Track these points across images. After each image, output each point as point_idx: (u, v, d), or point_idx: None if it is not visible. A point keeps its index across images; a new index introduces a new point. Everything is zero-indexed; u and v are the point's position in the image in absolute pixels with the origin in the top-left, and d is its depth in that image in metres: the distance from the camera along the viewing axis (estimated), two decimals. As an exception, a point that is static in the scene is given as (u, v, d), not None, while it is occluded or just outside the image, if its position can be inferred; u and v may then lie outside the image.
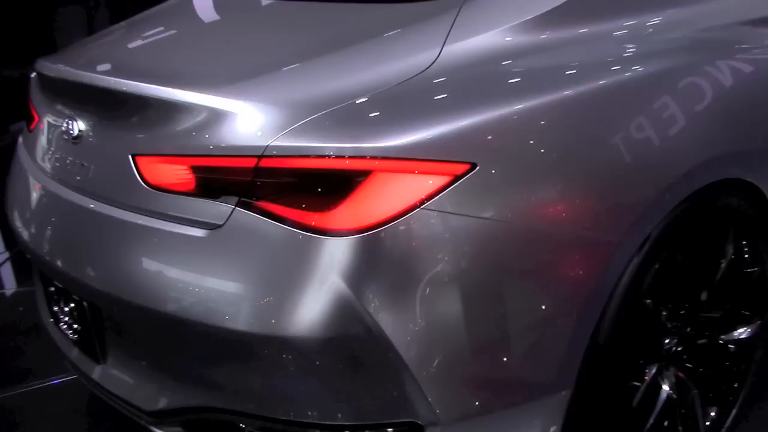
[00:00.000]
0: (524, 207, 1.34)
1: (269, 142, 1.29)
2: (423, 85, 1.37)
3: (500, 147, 1.34)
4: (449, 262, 1.28)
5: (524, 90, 1.41)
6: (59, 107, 1.71)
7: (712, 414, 1.83)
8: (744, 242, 1.74)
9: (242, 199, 1.32)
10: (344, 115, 1.31)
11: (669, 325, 1.68)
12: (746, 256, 1.76)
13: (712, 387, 1.82)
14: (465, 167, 1.28)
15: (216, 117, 1.35)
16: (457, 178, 1.27)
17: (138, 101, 1.46)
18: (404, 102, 1.34)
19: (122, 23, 2.10)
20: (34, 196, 1.76)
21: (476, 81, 1.40)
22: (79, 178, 1.60)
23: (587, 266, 1.40)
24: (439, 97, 1.37)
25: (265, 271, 1.29)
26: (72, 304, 1.70)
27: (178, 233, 1.38)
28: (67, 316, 1.75)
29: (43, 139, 1.77)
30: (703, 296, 1.74)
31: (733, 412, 1.85)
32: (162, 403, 1.53)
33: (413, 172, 1.27)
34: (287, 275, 1.27)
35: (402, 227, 1.25)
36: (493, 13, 1.52)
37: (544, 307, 1.37)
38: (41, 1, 4.38)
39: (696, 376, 1.77)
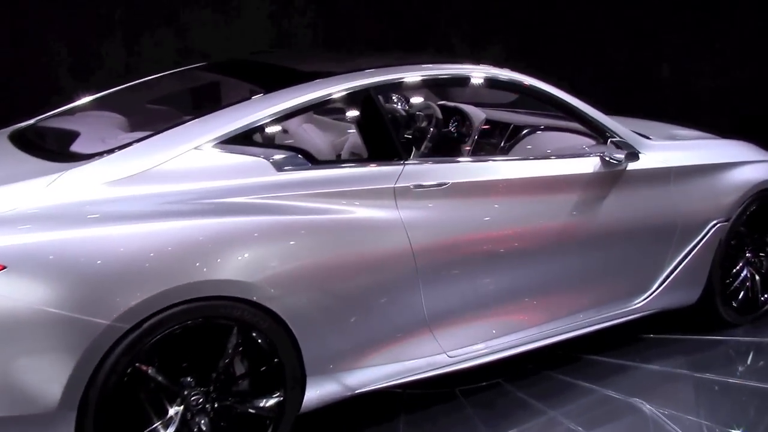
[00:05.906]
0: (49, 293, 2.28)
1: None
2: None
3: (29, 254, 2.30)
4: None
5: (97, 221, 2.40)
6: None
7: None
8: (260, 340, 2.60)
9: None
10: None
11: (175, 384, 2.54)
12: (266, 349, 2.62)
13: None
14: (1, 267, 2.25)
15: None
16: (-6, 273, 2.24)
17: None
18: None
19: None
20: None
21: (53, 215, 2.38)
22: None
23: (86, 339, 2.31)
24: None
25: None
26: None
27: None
28: None
29: None
30: (214, 370, 2.59)
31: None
32: None
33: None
34: None
35: None
36: (92, 175, 2.51)
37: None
38: None
39: (218, 425, 2.62)
